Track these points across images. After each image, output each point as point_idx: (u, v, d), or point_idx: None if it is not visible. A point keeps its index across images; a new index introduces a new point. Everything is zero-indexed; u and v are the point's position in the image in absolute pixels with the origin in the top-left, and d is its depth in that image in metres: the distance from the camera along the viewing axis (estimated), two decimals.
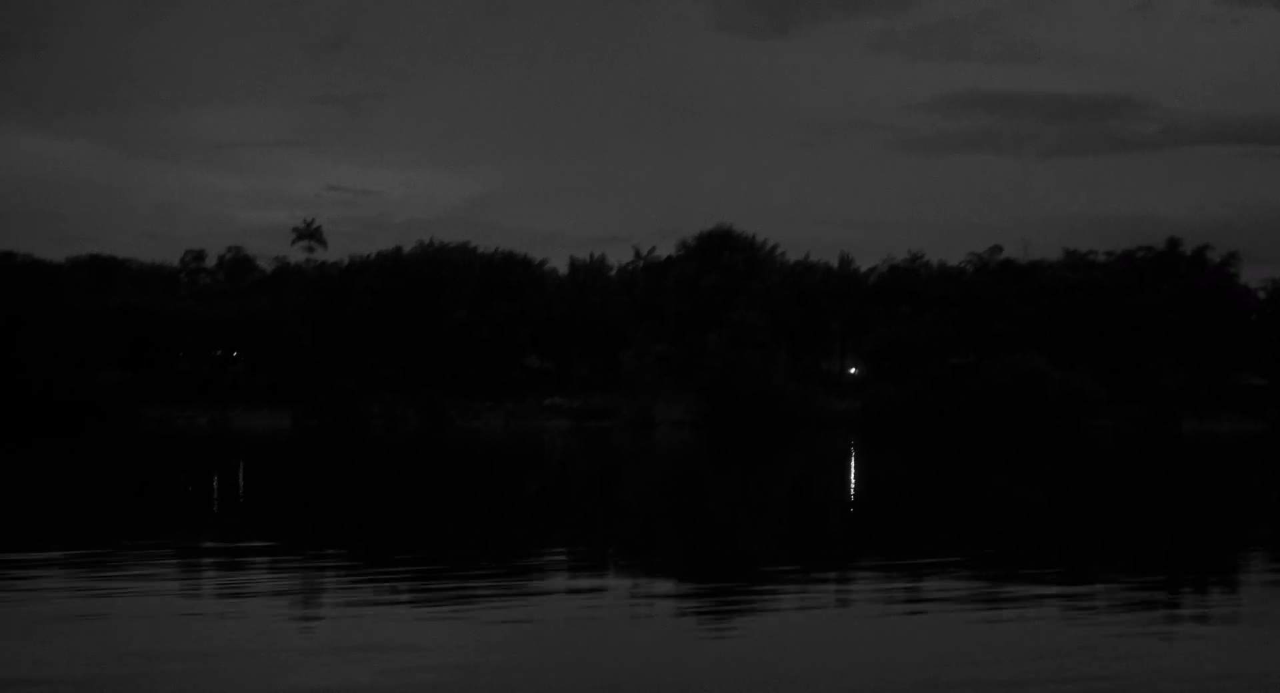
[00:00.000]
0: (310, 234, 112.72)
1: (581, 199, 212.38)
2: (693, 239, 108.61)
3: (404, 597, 18.33)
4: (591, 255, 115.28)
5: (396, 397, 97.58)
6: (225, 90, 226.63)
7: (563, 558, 23.25)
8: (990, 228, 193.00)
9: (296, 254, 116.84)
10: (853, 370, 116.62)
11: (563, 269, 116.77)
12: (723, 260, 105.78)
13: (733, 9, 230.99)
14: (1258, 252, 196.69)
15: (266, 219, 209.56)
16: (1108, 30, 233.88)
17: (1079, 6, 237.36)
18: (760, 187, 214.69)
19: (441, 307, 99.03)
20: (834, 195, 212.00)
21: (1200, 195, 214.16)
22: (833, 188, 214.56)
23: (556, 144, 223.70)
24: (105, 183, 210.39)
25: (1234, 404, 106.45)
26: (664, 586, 20.20)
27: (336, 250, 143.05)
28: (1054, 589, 19.90)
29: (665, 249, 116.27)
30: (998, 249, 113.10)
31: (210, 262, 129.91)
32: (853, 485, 44.83)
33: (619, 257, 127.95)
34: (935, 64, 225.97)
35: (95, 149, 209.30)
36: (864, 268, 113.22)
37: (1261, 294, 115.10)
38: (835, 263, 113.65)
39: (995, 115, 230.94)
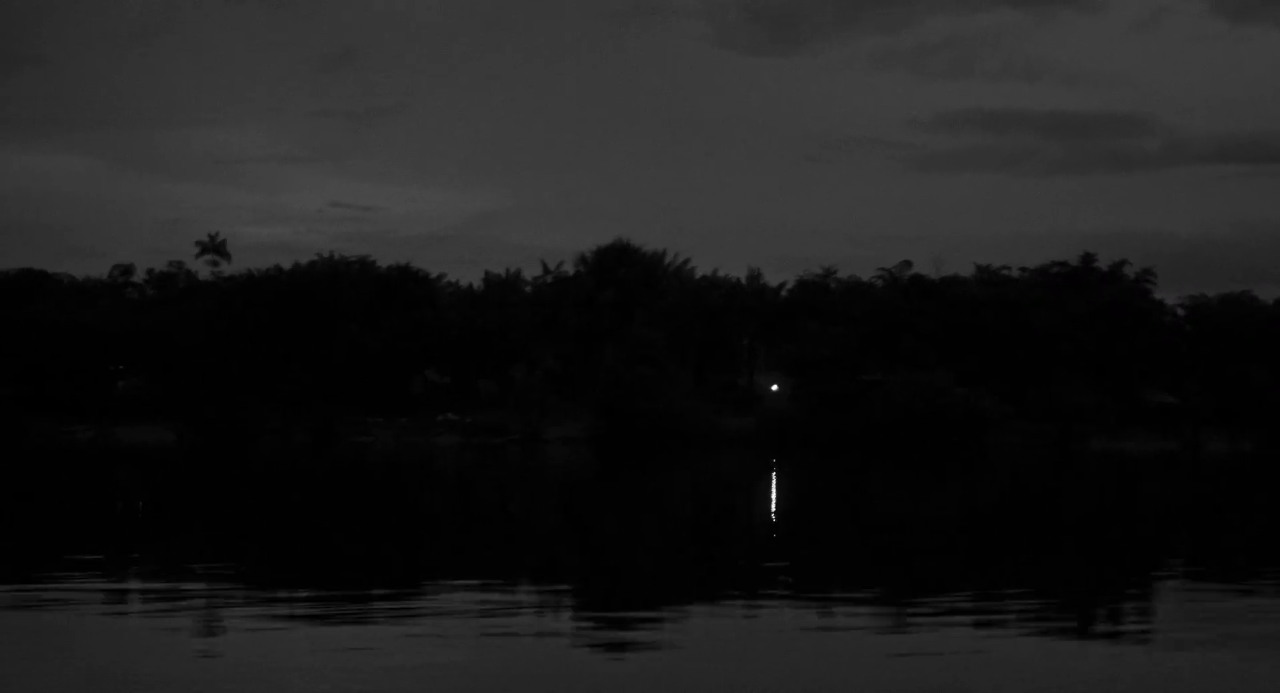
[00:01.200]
0: (214, 248, 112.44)
1: (586, 216, 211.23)
2: (590, 254, 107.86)
3: (300, 619, 18.08)
4: (507, 270, 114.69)
5: (286, 412, 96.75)
6: (229, 105, 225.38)
7: (458, 583, 22.57)
8: (993, 245, 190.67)
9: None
10: (775, 387, 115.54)
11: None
12: (619, 275, 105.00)
13: (735, 26, 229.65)
14: (1262, 271, 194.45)
15: (270, 235, 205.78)
16: (1111, 48, 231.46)
17: (1082, 24, 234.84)
18: (763, 203, 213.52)
19: (334, 320, 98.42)
20: (837, 212, 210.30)
21: (1202, 213, 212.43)
22: (836, 204, 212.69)
23: (561, 161, 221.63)
24: (109, 198, 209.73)
25: (1145, 422, 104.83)
26: (566, 608, 20.30)
27: None
28: (966, 608, 20.14)
29: None
30: (907, 264, 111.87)
31: (140, 275, 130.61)
32: (773, 504, 44.78)
33: None
34: (938, 81, 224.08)
35: (99, 164, 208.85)
36: (774, 283, 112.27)
37: (1180, 311, 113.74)
38: (744, 278, 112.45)
39: (997, 133, 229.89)
